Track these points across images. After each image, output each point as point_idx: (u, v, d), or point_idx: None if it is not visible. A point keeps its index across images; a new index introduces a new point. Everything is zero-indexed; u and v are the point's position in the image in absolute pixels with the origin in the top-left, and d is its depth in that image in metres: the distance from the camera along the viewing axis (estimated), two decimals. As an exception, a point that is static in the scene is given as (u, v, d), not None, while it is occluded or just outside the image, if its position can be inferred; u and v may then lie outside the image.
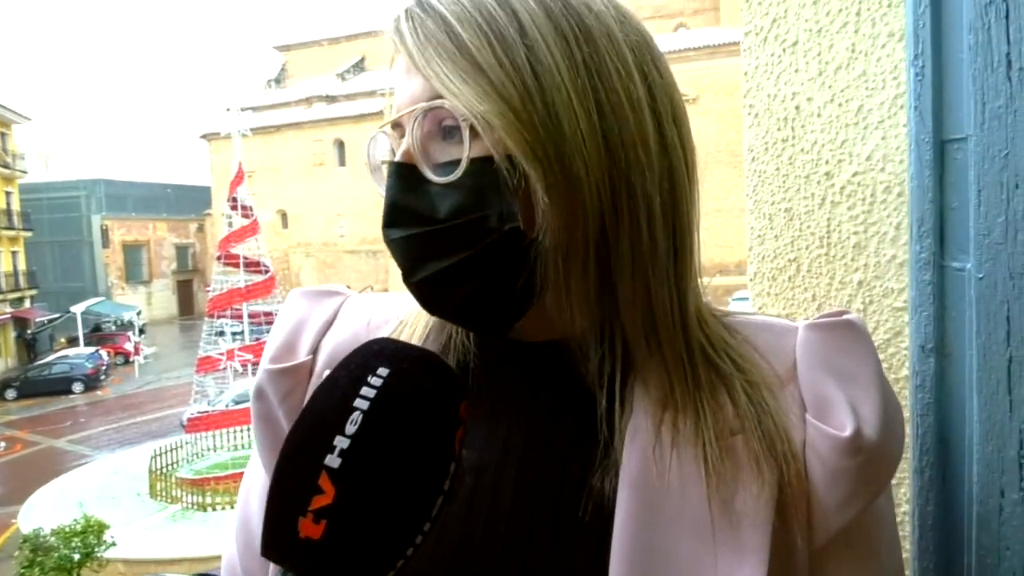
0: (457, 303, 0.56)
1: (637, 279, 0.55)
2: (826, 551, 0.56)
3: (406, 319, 0.67)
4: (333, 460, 0.45)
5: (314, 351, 0.67)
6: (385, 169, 0.61)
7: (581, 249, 0.53)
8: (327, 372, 0.64)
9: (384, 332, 0.67)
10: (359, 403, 0.46)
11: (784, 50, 0.90)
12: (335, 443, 0.45)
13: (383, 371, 0.48)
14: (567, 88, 0.52)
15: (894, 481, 0.84)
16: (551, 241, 0.53)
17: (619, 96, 0.53)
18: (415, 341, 0.64)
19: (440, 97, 0.53)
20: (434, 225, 0.54)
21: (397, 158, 0.56)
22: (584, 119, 0.52)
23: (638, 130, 0.54)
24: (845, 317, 0.60)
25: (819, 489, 0.55)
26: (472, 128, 0.52)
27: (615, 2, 0.58)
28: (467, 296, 0.55)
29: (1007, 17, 0.63)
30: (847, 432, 0.54)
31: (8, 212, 32.28)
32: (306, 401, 0.65)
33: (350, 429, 0.46)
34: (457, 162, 0.53)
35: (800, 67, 0.89)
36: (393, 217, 0.56)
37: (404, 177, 0.55)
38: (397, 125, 0.57)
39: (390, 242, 0.57)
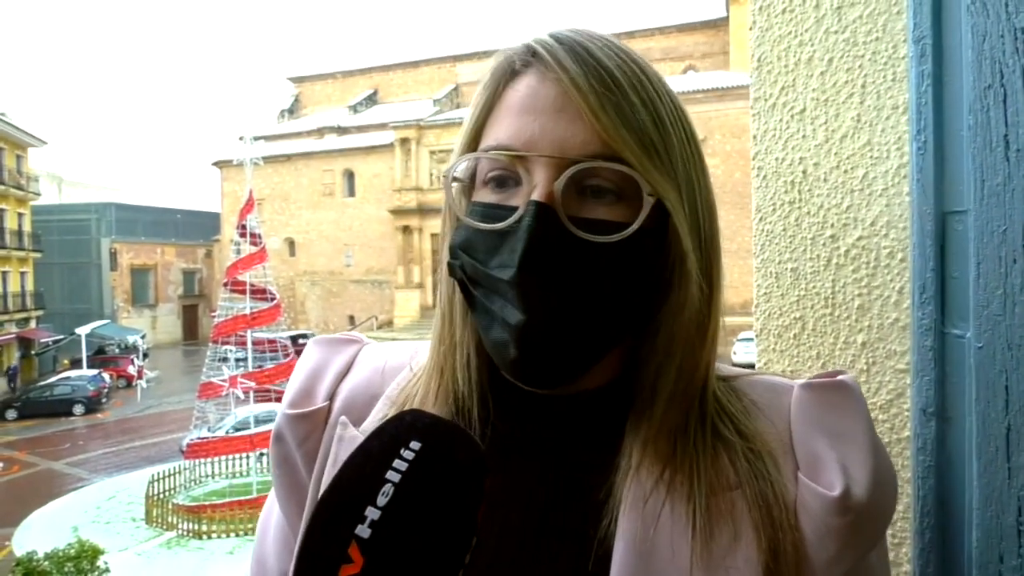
0: (561, 371, 0.58)
1: (685, 334, 0.60)
2: None
3: (419, 372, 0.68)
4: (363, 531, 0.46)
5: (330, 397, 0.70)
6: (456, 187, 0.62)
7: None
8: (343, 417, 0.67)
9: (398, 378, 0.69)
10: (391, 475, 0.48)
11: (792, 117, 0.94)
12: (366, 514, 0.47)
13: (415, 444, 0.49)
14: (696, 175, 0.60)
15: (896, 541, 0.85)
16: (679, 310, 0.59)
17: (708, 180, 0.61)
18: (429, 394, 0.65)
19: (623, 161, 0.55)
20: (592, 296, 0.56)
21: (536, 197, 0.54)
22: (703, 206, 0.60)
23: (712, 214, 0.62)
24: (839, 378, 0.62)
25: (809, 545, 0.57)
26: (629, 201, 0.56)
27: None
28: (569, 369, 0.58)
29: (1005, 101, 0.67)
30: (836, 492, 0.56)
31: (19, 233, 32.57)
32: (323, 449, 0.67)
33: (381, 501, 0.47)
34: (612, 224, 0.55)
35: (807, 134, 0.92)
36: (534, 261, 0.54)
37: (545, 221, 0.54)
38: (518, 156, 0.56)
39: (520, 284, 0.54)
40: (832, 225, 0.91)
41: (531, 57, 0.58)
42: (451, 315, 0.65)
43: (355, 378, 0.71)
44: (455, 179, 0.61)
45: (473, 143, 0.61)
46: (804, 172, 0.93)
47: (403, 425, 0.51)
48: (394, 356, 0.72)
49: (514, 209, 0.56)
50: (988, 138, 0.68)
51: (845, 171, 0.90)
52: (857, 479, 0.57)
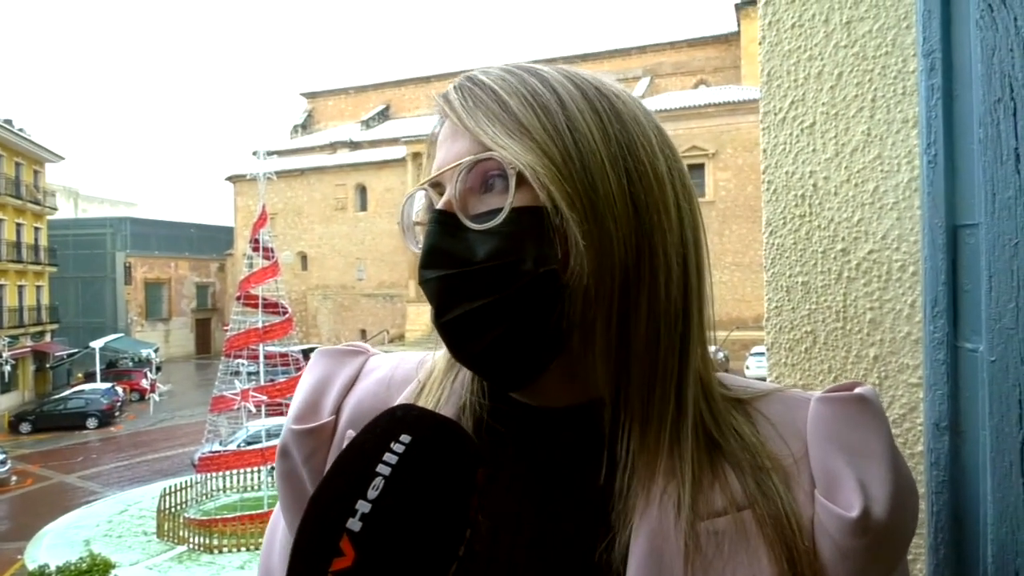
0: (485, 346, 0.58)
1: (649, 336, 0.59)
2: None
3: (425, 380, 0.69)
4: (354, 524, 0.47)
5: (337, 411, 0.69)
6: (418, 229, 0.65)
7: (607, 296, 0.57)
8: (350, 431, 0.67)
9: (405, 391, 0.69)
10: (381, 469, 0.48)
11: (802, 131, 0.94)
12: (357, 507, 0.47)
13: (405, 438, 0.50)
14: (601, 154, 0.58)
15: (910, 557, 0.85)
16: (581, 286, 0.57)
17: (645, 168, 0.60)
18: (432, 403, 0.66)
19: (489, 151, 0.58)
20: (470, 266, 0.57)
21: (439, 207, 0.60)
22: (615, 182, 0.58)
23: (661, 198, 0.60)
24: (857, 391, 0.60)
25: (828, 567, 0.56)
26: (517, 178, 0.57)
27: (638, 99, 0.65)
28: (495, 339, 0.57)
29: (1015, 114, 0.67)
30: (854, 513, 0.55)
31: (36, 247, 32.94)
32: (329, 463, 0.68)
33: (372, 494, 0.48)
34: (496, 211, 0.57)
35: (817, 147, 0.93)
36: (431, 259, 0.59)
37: (444, 223, 0.59)
38: (437, 184, 0.62)
39: (425, 282, 0.60)
40: (843, 239, 0.91)
41: (442, 102, 0.64)
42: None
43: (361, 391, 0.70)
44: (417, 224, 0.66)
45: None
46: (814, 186, 0.93)
47: (393, 419, 0.52)
48: (401, 367, 0.72)
49: None
50: (999, 151, 0.68)
51: (855, 185, 0.90)
52: (876, 498, 0.55)
